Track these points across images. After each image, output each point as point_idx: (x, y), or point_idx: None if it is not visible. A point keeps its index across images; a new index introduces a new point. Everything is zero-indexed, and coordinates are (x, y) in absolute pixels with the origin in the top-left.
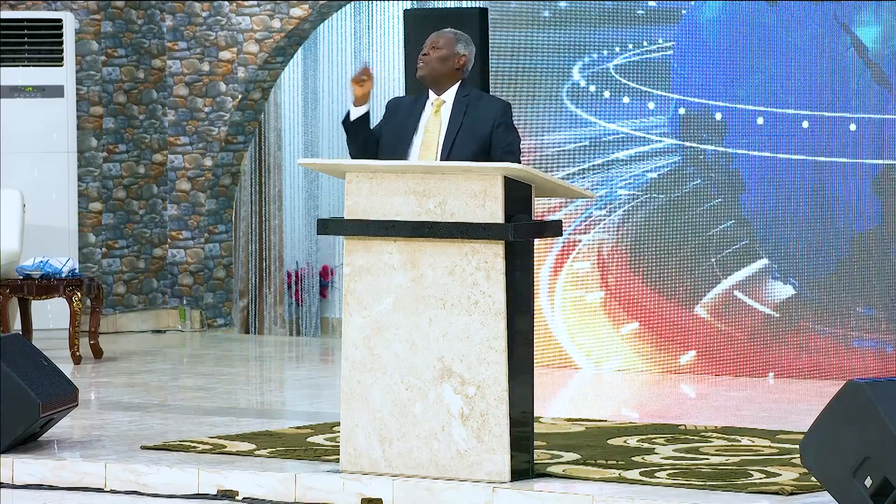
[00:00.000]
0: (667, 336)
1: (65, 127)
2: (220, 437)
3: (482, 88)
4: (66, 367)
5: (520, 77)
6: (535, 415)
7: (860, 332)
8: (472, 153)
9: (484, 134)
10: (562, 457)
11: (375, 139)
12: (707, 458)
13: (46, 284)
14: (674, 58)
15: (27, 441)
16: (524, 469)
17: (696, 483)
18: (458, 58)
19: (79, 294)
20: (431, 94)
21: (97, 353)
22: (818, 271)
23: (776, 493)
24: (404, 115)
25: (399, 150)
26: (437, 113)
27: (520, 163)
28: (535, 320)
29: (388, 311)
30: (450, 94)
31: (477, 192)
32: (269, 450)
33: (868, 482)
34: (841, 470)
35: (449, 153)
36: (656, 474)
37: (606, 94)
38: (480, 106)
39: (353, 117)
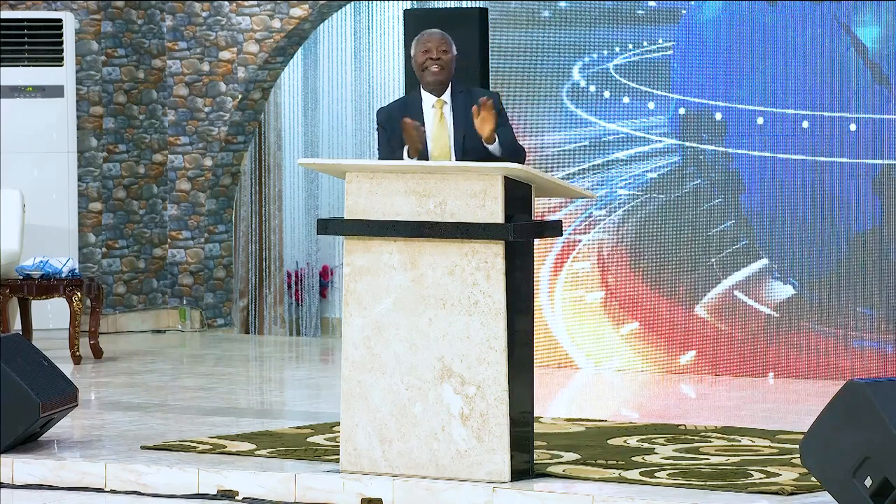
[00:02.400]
0: (667, 336)
1: (65, 127)
2: (220, 437)
3: (482, 88)
4: (66, 367)
5: (520, 77)
6: (535, 415)
7: (860, 332)
8: (484, 150)
9: None
10: (562, 457)
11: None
12: (707, 458)
13: (46, 284)
14: (674, 58)
15: (27, 441)
16: (524, 469)
17: (696, 483)
18: (455, 58)
19: (79, 294)
20: (428, 95)
21: (97, 353)
22: (818, 271)
23: (776, 493)
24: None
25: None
26: (442, 115)
27: (525, 152)
28: (535, 320)
29: (388, 311)
30: (447, 94)
31: (477, 192)
32: (269, 450)
33: (868, 482)
34: (841, 470)
35: (463, 154)
36: (656, 474)
37: (606, 94)
38: (475, 100)
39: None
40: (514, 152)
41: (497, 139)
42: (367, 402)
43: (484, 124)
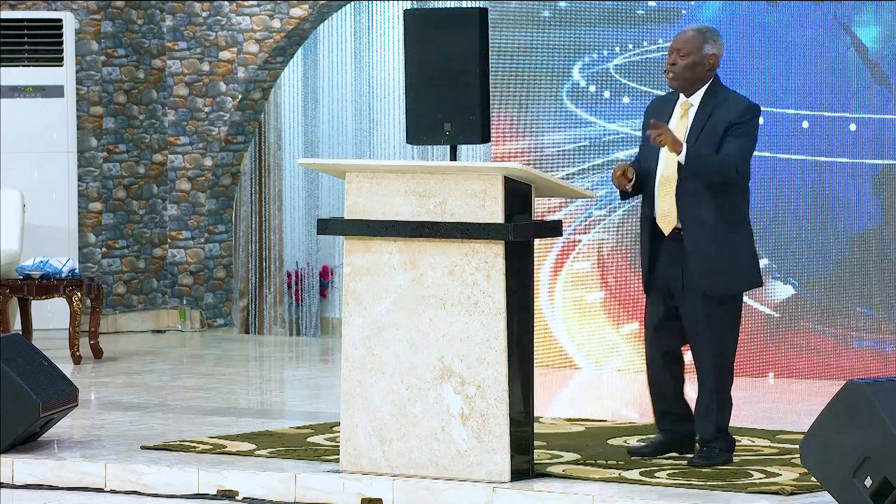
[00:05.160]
0: None
1: (65, 127)
2: (220, 437)
3: (482, 89)
4: (66, 367)
5: (520, 77)
6: (535, 415)
7: (860, 332)
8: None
9: (720, 134)
10: (562, 457)
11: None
12: None
13: (46, 284)
14: None
15: (27, 441)
16: (524, 469)
17: (696, 483)
18: (708, 58)
19: (79, 294)
20: (681, 94)
21: (97, 353)
22: (818, 271)
23: (776, 493)
24: (656, 118)
25: (651, 152)
26: (685, 116)
27: (738, 171)
28: (535, 320)
29: (388, 311)
30: (697, 97)
31: (477, 192)
32: (269, 450)
33: (868, 482)
34: (841, 470)
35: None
36: (656, 474)
37: (606, 94)
38: (724, 107)
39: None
40: (714, 167)
41: (686, 151)
42: (367, 402)
43: (660, 140)
